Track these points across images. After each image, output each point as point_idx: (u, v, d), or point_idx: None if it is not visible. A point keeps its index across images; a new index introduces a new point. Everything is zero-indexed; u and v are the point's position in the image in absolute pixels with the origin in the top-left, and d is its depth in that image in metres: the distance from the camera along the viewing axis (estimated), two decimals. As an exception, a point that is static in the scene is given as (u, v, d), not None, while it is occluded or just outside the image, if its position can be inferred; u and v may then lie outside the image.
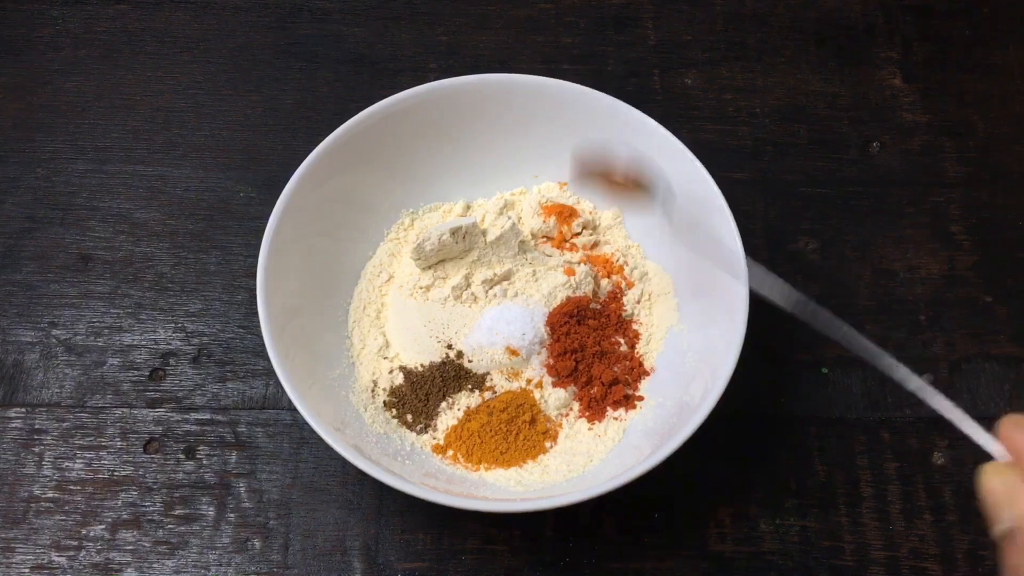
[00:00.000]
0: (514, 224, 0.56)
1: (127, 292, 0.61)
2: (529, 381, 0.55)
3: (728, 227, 0.52)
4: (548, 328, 0.55)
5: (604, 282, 0.58)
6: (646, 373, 0.55)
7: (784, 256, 0.63)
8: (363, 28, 0.73)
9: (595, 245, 0.60)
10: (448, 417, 0.54)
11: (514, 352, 0.54)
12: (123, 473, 0.55)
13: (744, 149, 0.67)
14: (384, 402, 0.54)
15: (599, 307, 0.57)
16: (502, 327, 0.55)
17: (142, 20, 0.73)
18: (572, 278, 0.56)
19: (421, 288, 0.56)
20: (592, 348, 0.55)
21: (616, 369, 0.55)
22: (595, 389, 0.54)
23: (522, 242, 0.58)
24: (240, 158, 0.67)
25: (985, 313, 0.61)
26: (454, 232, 0.55)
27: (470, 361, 0.55)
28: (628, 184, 0.51)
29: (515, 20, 0.73)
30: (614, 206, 0.59)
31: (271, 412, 0.57)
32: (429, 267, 0.57)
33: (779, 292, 0.43)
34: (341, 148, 0.55)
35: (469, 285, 0.56)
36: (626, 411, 0.54)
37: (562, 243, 0.59)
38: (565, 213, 0.59)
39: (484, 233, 0.56)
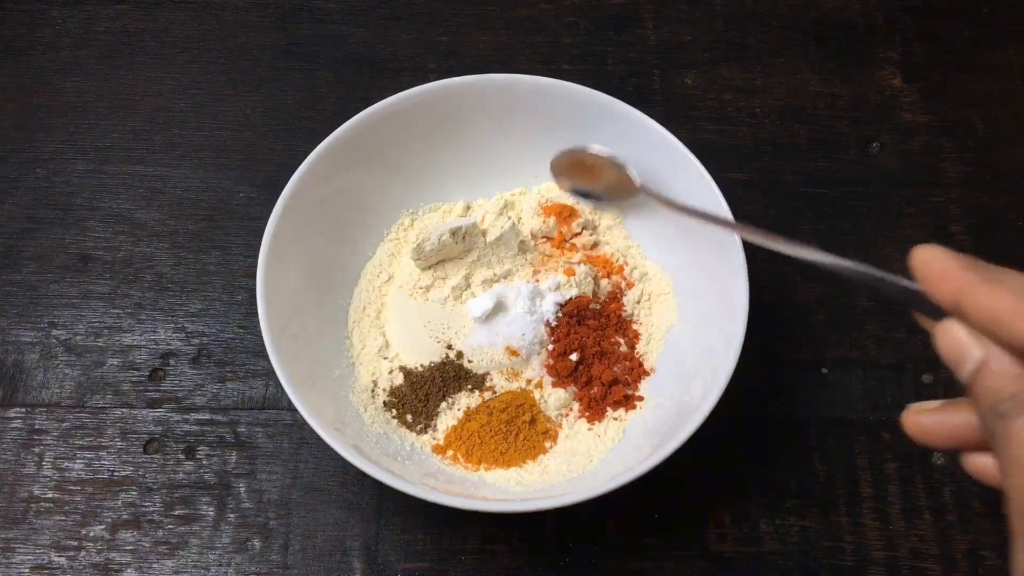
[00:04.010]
0: (514, 224, 0.57)
1: (127, 292, 0.61)
2: (529, 381, 0.55)
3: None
4: (548, 328, 0.55)
5: (604, 282, 0.58)
6: (646, 373, 0.55)
7: (784, 256, 0.63)
8: (363, 28, 0.73)
9: (595, 245, 0.60)
10: (448, 417, 0.54)
11: (514, 352, 0.54)
12: (123, 473, 0.55)
13: (744, 149, 0.67)
14: (384, 402, 0.54)
15: (599, 307, 0.57)
16: (502, 327, 0.55)
17: (142, 20, 0.73)
18: (572, 278, 0.56)
19: (421, 288, 0.56)
20: (592, 348, 0.55)
21: (616, 369, 0.55)
22: (595, 389, 0.54)
23: (522, 242, 0.58)
24: (240, 158, 0.67)
25: (985, 313, 0.61)
26: (454, 232, 0.55)
27: (470, 361, 0.55)
28: (602, 164, 0.54)
29: (515, 20, 0.73)
30: (601, 199, 0.58)
31: (271, 412, 0.57)
32: (429, 267, 0.57)
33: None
34: (341, 148, 0.55)
35: (469, 285, 0.56)
36: (626, 411, 0.54)
37: (562, 243, 0.59)
38: (565, 213, 0.59)
39: (484, 233, 0.56)
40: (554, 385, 0.54)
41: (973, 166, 0.67)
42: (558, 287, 0.56)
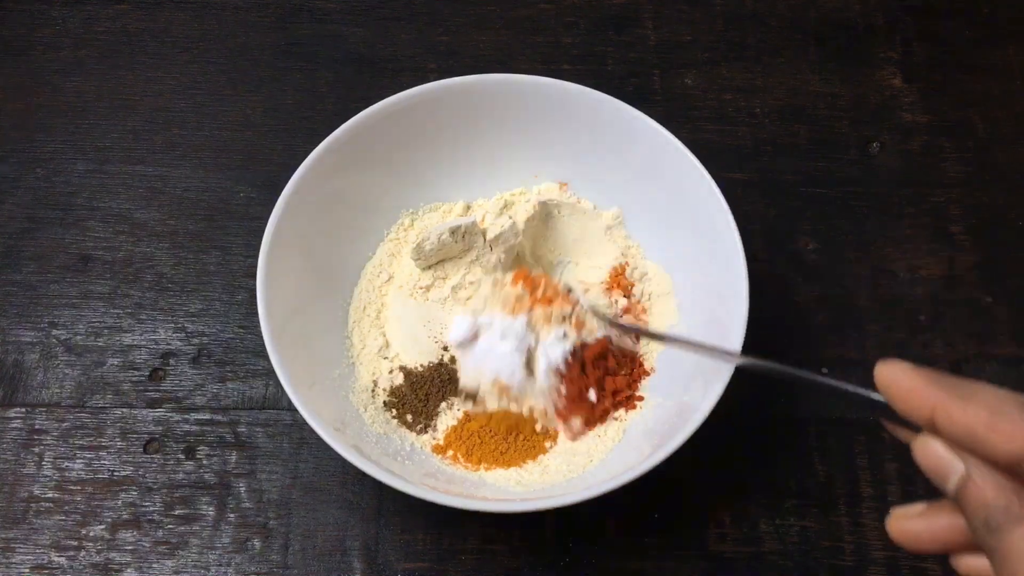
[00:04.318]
0: (514, 224, 0.56)
1: (127, 292, 0.61)
2: (532, 409, 0.52)
3: (728, 227, 0.52)
4: (558, 375, 0.52)
5: (617, 299, 0.57)
6: (646, 373, 0.55)
7: (784, 256, 0.63)
8: (363, 28, 0.73)
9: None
10: (448, 417, 0.54)
11: (504, 389, 0.52)
12: (123, 473, 0.55)
13: (744, 149, 0.67)
14: (384, 402, 0.54)
15: (618, 347, 0.55)
16: (490, 362, 0.52)
17: (142, 20, 0.73)
18: (583, 330, 0.53)
19: (421, 288, 0.56)
20: (610, 382, 0.53)
21: (623, 374, 0.55)
22: (606, 403, 0.54)
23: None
24: (240, 158, 0.67)
25: (985, 313, 0.61)
26: (453, 232, 0.55)
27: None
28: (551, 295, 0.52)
29: (515, 20, 0.73)
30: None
31: (271, 412, 0.57)
32: (429, 267, 0.57)
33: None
34: (341, 148, 0.55)
35: (467, 285, 0.56)
36: (626, 411, 0.54)
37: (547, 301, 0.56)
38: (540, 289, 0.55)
39: (484, 233, 0.56)
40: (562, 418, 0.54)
41: (973, 166, 0.67)
42: (564, 335, 0.52)
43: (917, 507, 0.32)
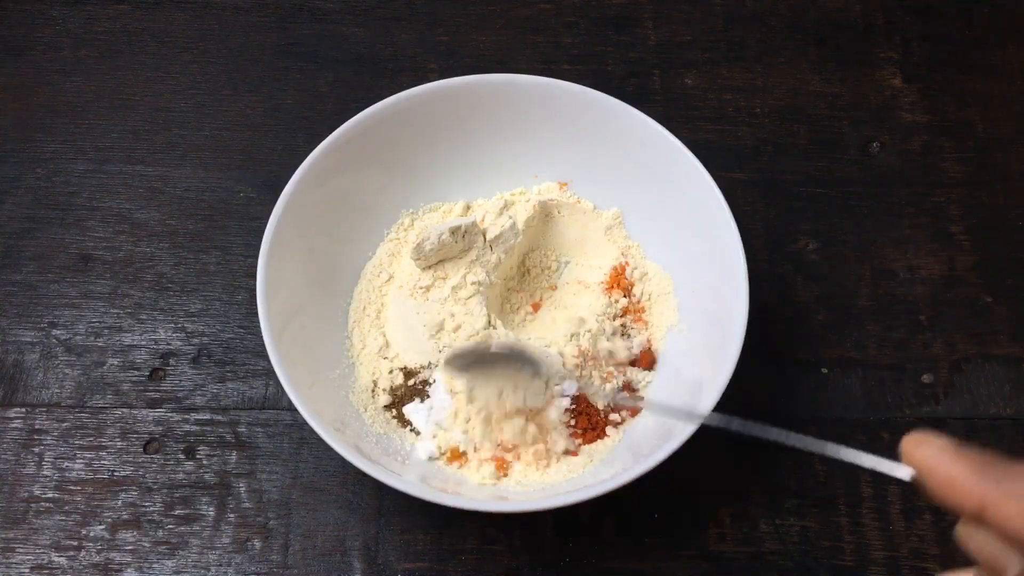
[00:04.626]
0: (514, 224, 0.56)
1: (127, 292, 0.61)
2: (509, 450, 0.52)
3: (728, 227, 0.52)
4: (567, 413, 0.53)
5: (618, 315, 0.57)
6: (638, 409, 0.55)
7: (784, 256, 0.63)
8: (363, 28, 0.73)
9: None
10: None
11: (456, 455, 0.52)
12: (123, 473, 0.55)
13: (744, 149, 0.67)
14: (384, 402, 0.54)
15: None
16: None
17: (142, 20, 0.73)
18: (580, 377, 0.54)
19: (421, 288, 0.56)
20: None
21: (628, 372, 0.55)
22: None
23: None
24: (240, 158, 0.67)
25: (985, 313, 0.61)
26: (453, 231, 0.55)
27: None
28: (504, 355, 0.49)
29: (515, 20, 0.73)
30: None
31: (271, 412, 0.57)
32: (429, 267, 0.57)
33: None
34: (341, 148, 0.55)
35: (467, 285, 0.56)
36: (631, 415, 0.54)
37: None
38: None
39: (484, 233, 0.56)
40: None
41: (973, 166, 0.67)
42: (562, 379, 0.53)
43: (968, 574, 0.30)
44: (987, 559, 0.28)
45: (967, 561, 0.30)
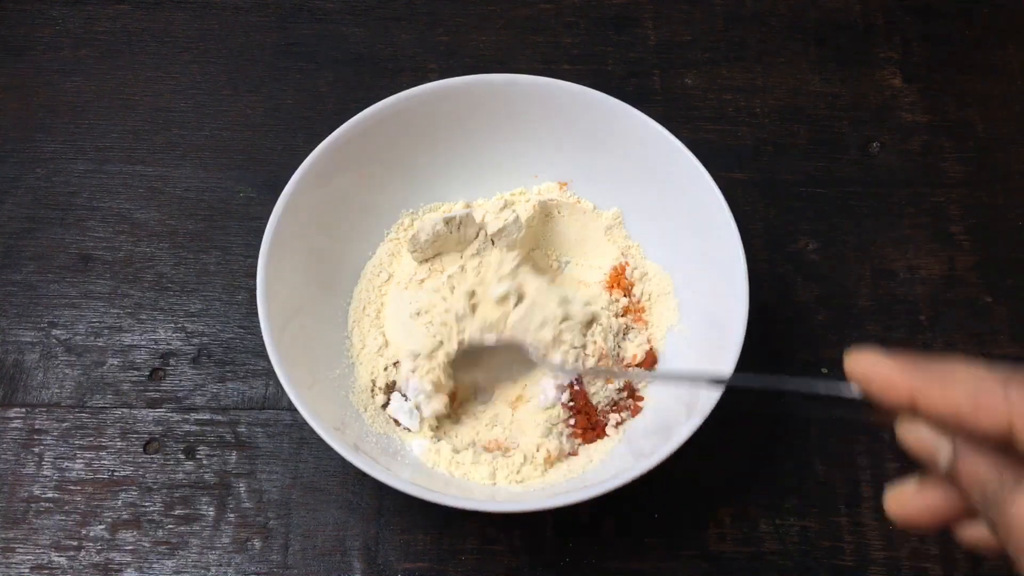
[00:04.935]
0: (517, 218, 0.56)
1: (127, 292, 0.61)
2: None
3: (728, 227, 0.52)
4: (565, 409, 0.54)
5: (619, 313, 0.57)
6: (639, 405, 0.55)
7: (784, 256, 0.63)
8: (363, 28, 0.73)
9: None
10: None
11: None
12: (123, 473, 0.55)
13: (744, 149, 0.67)
14: (383, 402, 0.54)
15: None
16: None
17: (142, 20, 0.73)
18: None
19: (416, 281, 0.56)
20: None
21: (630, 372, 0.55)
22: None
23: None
24: (240, 158, 0.67)
25: (985, 313, 0.61)
26: (448, 222, 0.55)
27: None
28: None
29: (515, 20, 0.73)
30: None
31: (271, 412, 0.57)
32: (426, 260, 0.56)
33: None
34: (341, 148, 0.55)
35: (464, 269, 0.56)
36: (632, 415, 0.54)
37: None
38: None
39: (484, 227, 0.56)
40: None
41: (973, 166, 0.67)
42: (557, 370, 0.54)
43: (911, 486, 0.33)
44: (923, 452, 0.30)
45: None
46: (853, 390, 0.31)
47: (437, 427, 0.53)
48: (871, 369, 0.30)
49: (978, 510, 0.29)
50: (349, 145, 0.56)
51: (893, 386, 0.29)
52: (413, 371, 0.52)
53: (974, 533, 0.31)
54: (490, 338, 0.53)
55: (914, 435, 0.31)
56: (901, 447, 0.31)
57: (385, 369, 0.55)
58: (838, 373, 0.32)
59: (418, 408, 0.53)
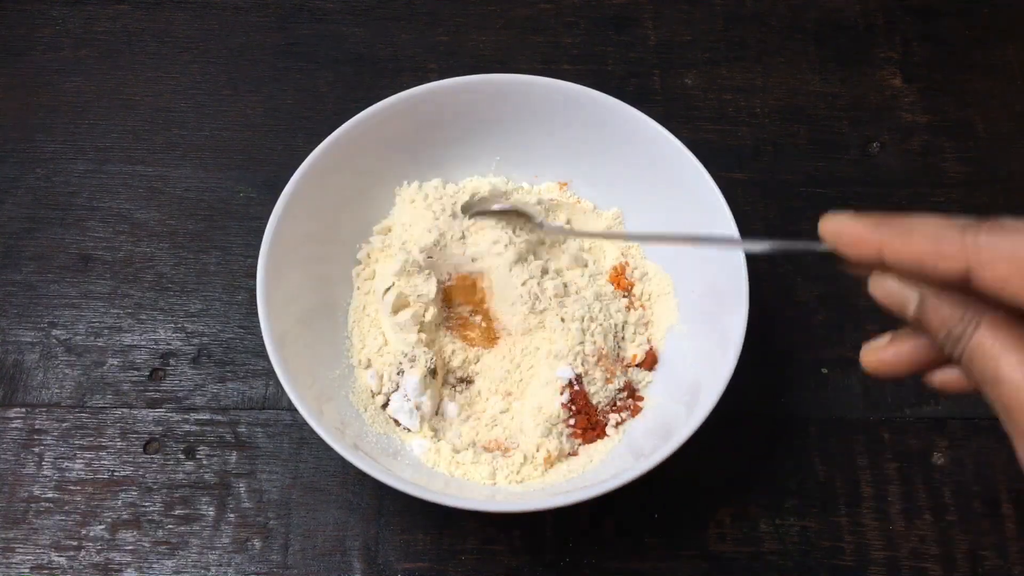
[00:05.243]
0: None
1: (127, 292, 0.61)
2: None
3: (728, 227, 0.52)
4: (565, 408, 0.53)
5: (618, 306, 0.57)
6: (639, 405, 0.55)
7: (784, 256, 0.63)
8: (363, 28, 0.73)
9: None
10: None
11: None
12: (123, 473, 0.55)
13: (744, 149, 0.67)
14: (383, 402, 0.54)
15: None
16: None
17: (142, 20, 0.73)
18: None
19: (387, 303, 0.55)
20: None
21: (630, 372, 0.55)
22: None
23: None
24: (240, 158, 0.67)
25: (985, 313, 0.61)
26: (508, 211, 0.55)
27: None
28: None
29: (515, 20, 0.73)
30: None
31: (271, 412, 0.57)
32: (471, 217, 0.56)
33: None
34: (341, 148, 0.55)
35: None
36: (632, 415, 0.54)
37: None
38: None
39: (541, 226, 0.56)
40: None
41: (973, 166, 0.67)
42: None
43: (884, 338, 0.35)
44: (893, 303, 0.32)
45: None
46: (824, 247, 0.33)
47: (434, 422, 0.53)
48: (842, 228, 0.32)
49: (946, 351, 0.31)
50: (349, 145, 0.56)
51: (862, 241, 0.31)
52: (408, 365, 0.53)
53: (944, 376, 0.34)
54: (496, 205, 0.55)
55: (883, 288, 0.32)
56: (873, 300, 0.33)
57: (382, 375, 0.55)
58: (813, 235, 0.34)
59: (418, 408, 0.53)
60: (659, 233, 0.56)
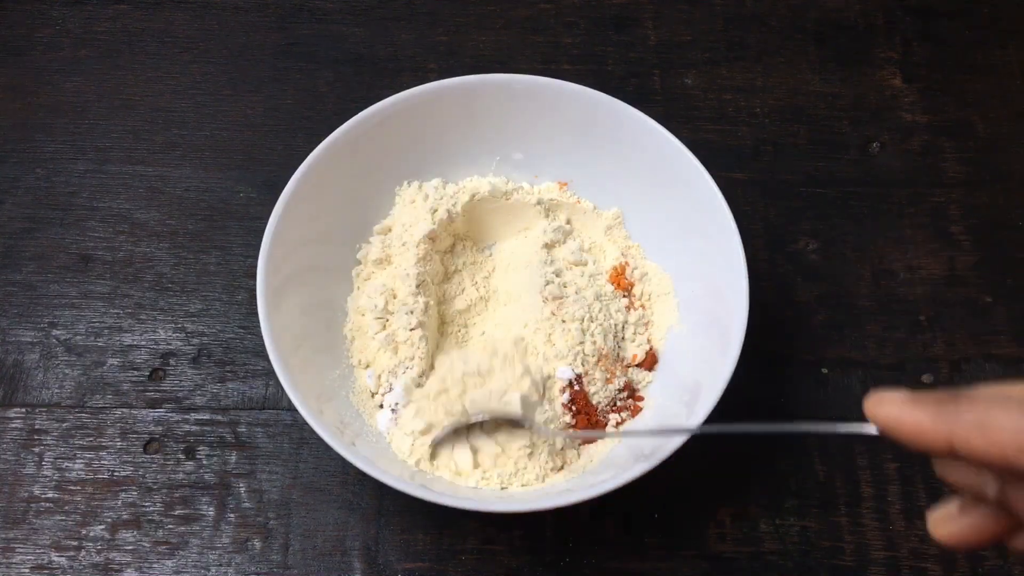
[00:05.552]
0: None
1: (127, 292, 0.61)
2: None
3: (728, 227, 0.52)
4: (564, 408, 0.53)
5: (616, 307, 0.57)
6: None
7: (784, 256, 0.63)
8: (363, 28, 0.73)
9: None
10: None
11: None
12: (123, 473, 0.55)
13: (744, 149, 0.67)
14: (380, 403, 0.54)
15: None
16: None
17: (142, 20, 0.73)
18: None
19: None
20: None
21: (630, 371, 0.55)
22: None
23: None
24: (240, 158, 0.67)
25: (985, 313, 0.61)
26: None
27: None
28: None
29: (515, 20, 0.73)
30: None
31: (271, 412, 0.57)
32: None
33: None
34: (341, 148, 0.55)
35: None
36: (632, 415, 0.54)
37: None
38: None
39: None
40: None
41: (973, 166, 0.67)
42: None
43: (952, 507, 0.31)
44: (968, 488, 0.30)
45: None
46: (873, 430, 0.30)
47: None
48: (897, 417, 0.28)
49: None
50: (349, 145, 0.56)
51: (925, 434, 0.28)
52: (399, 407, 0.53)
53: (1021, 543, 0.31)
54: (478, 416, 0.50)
55: (955, 475, 0.30)
56: (940, 481, 0.31)
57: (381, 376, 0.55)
58: (858, 416, 0.30)
59: (393, 411, 0.52)
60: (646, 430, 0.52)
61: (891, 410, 0.28)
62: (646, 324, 0.57)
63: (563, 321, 0.54)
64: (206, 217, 0.64)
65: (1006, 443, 0.26)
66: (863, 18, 0.74)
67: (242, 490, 0.54)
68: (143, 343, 0.59)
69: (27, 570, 0.52)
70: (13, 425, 0.56)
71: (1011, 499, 0.28)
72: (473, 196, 0.57)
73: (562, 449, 0.52)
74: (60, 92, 0.69)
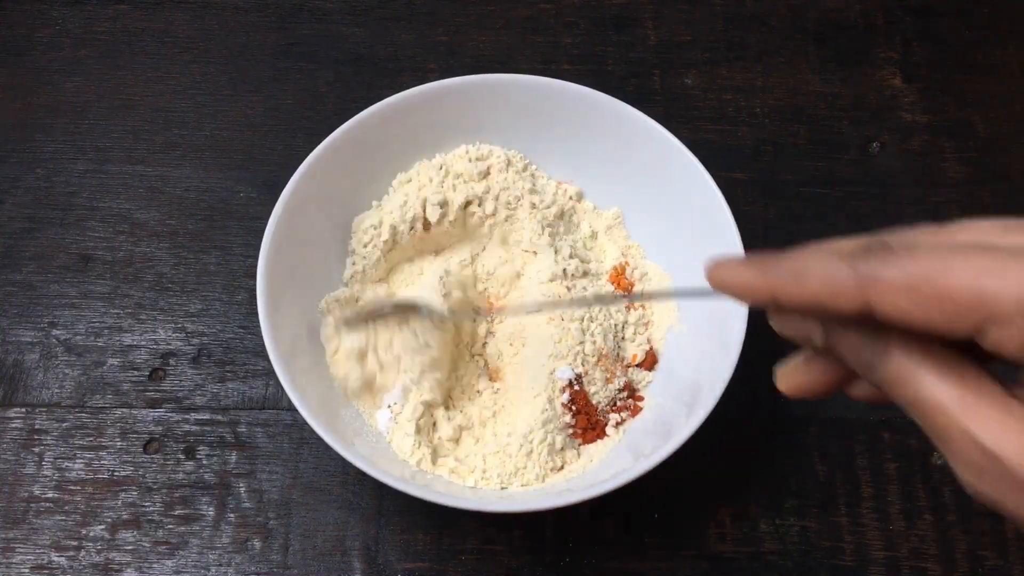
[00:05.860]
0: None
1: (127, 292, 0.61)
2: None
3: (728, 227, 0.52)
4: (565, 408, 0.53)
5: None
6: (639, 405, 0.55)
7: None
8: (363, 28, 0.73)
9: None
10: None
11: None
12: (123, 473, 0.55)
13: (744, 149, 0.67)
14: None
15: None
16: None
17: (142, 20, 0.73)
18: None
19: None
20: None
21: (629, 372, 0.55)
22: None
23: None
24: (240, 158, 0.67)
25: (985, 313, 0.61)
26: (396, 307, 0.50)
27: None
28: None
29: (515, 20, 0.73)
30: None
31: (271, 412, 0.57)
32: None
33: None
34: (341, 148, 0.55)
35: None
36: (632, 415, 0.54)
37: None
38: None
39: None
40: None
41: (973, 166, 0.67)
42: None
43: (796, 361, 0.34)
44: (802, 339, 0.32)
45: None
46: (712, 293, 0.32)
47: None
48: (727, 276, 0.31)
49: (862, 377, 0.31)
50: (349, 145, 0.56)
51: (752, 289, 0.30)
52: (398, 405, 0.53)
53: (861, 391, 0.33)
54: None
55: (783, 325, 0.32)
56: (775, 332, 0.33)
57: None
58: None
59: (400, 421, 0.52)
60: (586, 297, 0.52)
61: (722, 270, 0.31)
62: (646, 324, 0.57)
63: (563, 320, 0.54)
64: (206, 217, 0.64)
65: (818, 289, 0.28)
66: (863, 18, 0.74)
67: (242, 490, 0.54)
68: (143, 343, 0.59)
69: (27, 570, 0.52)
70: (13, 425, 0.56)
71: (835, 346, 0.30)
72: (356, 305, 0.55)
73: (562, 449, 0.52)
74: (60, 92, 0.69)
